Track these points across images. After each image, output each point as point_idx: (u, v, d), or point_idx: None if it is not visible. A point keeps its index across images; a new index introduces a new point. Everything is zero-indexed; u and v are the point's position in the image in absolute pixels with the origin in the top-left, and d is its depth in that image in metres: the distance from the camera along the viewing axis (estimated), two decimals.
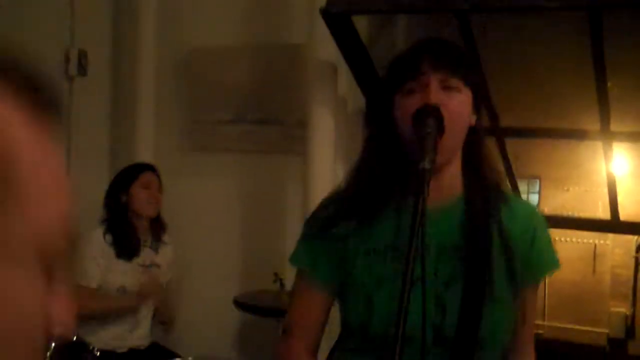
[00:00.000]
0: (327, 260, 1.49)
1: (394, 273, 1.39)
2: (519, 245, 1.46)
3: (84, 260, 3.21)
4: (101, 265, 3.19)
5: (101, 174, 3.86)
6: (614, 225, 3.55)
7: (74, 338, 2.59)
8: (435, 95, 1.38)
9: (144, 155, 3.83)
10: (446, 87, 1.40)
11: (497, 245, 1.43)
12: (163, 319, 3.44)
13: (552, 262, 1.55)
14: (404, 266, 1.17)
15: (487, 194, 1.47)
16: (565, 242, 7.64)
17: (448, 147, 1.38)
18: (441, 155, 1.34)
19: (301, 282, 1.56)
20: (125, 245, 3.23)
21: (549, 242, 1.54)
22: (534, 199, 8.14)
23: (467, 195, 1.48)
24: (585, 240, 7.91)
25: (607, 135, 3.15)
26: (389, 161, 1.48)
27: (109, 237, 3.21)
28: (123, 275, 3.23)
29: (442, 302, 1.40)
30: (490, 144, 1.58)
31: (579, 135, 3.45)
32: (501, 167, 1.56)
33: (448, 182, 1.46)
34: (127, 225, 3.28)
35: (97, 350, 2.63)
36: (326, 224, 1.50)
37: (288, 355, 1.56)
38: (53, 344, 2.52)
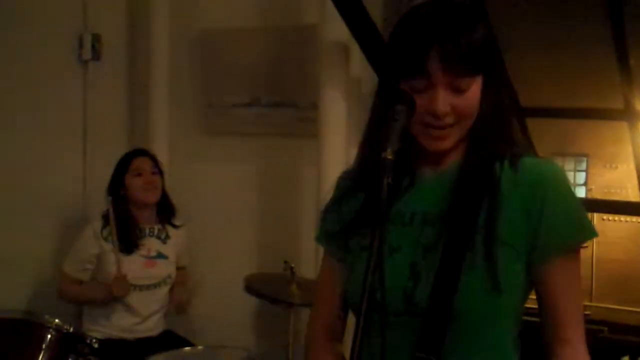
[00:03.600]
0: (337, 232, 1.51)
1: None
2: (521, 214, 1.33)
3: (73, 248, 3.23)
4: (93, 257, 3.18)
5: (117, 159, 3.83)
6: None
7: (71, 329, 2.58)
8: (443, 103, 1.30)
9: (160, 139, 3.81)
10: (455, 88, 1.30)
11: (485, 213, 1.33)
12: (179, 306, 3.40)
13: (574, 232, 1.35)
14: (368, 254, 1.16)
15: (485, 160, 1.38)
16: (613, 221, 7.42)
17: (454, 135, 1.35)
18: (447, 142, 1.34)
19: (323, 255, 1.61)
20: (124, 239, 3.19)
21: (568, 209, 1.35)
22: (581, 177, 7.94)
23: (464, 162, 1.40)
24: (633, 219, 7.65)
25: (631, 114, 3.00)
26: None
27: (105, 232, 3.18)
28: (123, 268, 3.18)
29: (416, 269, 1.34)
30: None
31: (602, 114, 3.30)
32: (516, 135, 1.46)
33: (449, 150, 1.39)
34: (125, 219, 3.22)
35: (96, 342, 2.61)
36: (336, 200, 1.54)
37: (308, 334, 1.62)
38: (49, 336, 2.53)
